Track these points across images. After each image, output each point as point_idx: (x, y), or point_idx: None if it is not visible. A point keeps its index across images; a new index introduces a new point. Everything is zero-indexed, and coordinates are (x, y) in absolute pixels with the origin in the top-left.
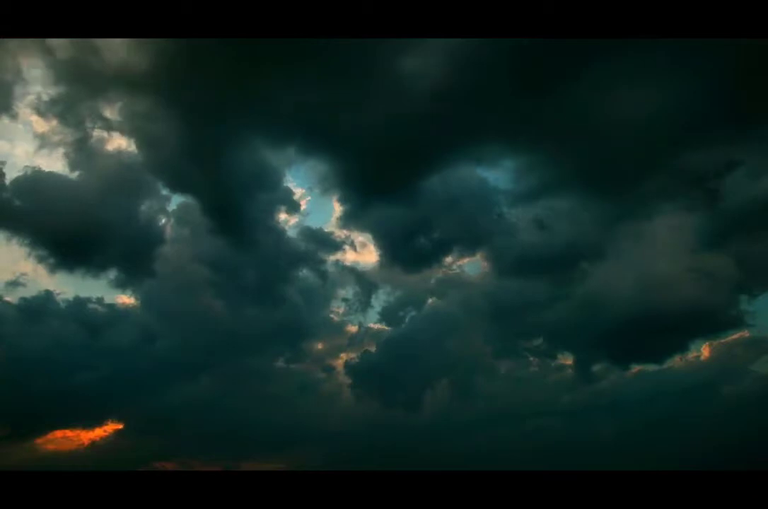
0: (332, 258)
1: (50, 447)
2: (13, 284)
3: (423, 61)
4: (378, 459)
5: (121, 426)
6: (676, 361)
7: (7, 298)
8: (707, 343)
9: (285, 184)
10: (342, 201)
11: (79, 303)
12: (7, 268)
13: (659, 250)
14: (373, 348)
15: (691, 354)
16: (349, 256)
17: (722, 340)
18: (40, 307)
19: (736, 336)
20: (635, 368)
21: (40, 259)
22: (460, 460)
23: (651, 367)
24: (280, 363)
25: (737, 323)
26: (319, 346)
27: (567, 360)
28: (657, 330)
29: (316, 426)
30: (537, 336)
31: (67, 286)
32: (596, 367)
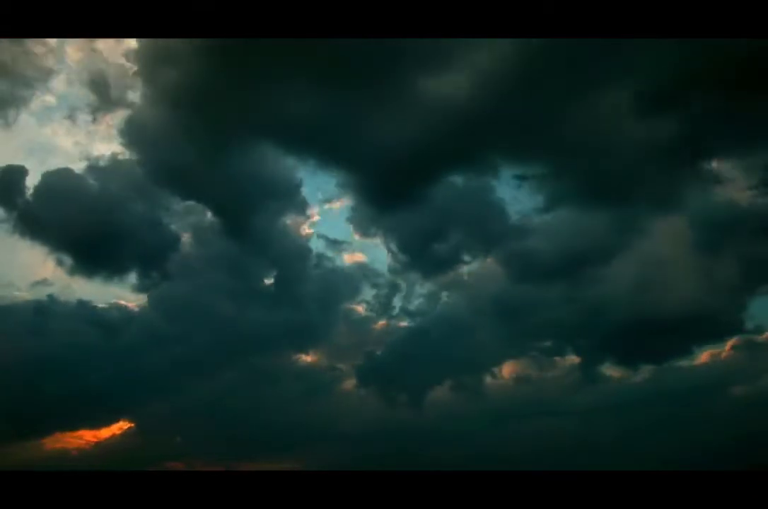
0: (346, 262)
1: (59, 446)
2: (32, 286)
3: (440, 75)
4: (382, 459)
5: (132, 426)
6: (680, 363)
7: (26, 300)
8: (712, 346)
9: (301, 190)
10: (358, 207)
11: (94, 305)
12: (27, 271)
13: (664, 254)
14: (382, 350)
15: (696, 356)
16: (363, 261)
17: (728, 343)
18: (56, 309)
19: (741, 338)
20: (640, 369)
21: (60, 263)
22: (464, 460)
23: (656, 369)
24: (292, 363)
25: (742, 326)
26: (329, 348)
27: (573, 360)
28: (662, 332)
29: (323, 426)
30: (544, 338)
31: (82, 289)
32: (602, 368)
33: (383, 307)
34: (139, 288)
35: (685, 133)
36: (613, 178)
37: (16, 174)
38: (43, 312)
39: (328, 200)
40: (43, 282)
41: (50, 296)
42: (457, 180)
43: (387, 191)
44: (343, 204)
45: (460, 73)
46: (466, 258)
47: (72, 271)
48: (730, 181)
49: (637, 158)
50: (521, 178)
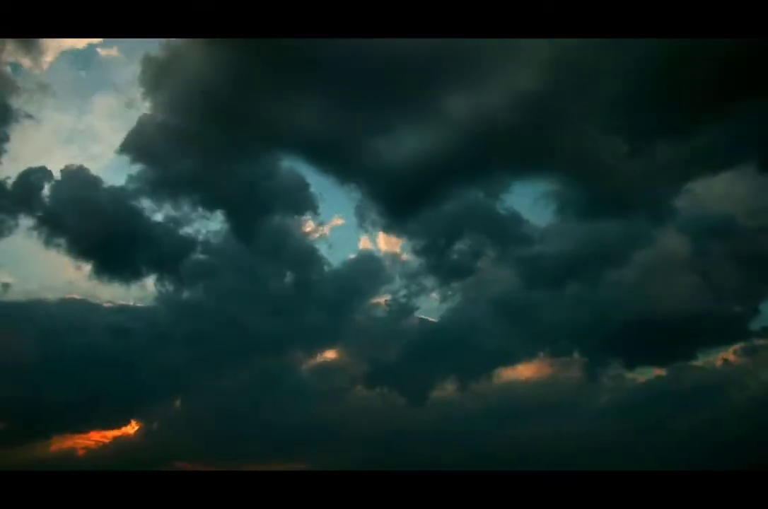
0: (361, 268)
1: (68, 446)
2: (48, 289)
3: (461, 95)
4: (385, 459)
5: (141, 426)
6: (686, 365)
7: (41, 301)
8: (718, 349)
9: (316, 198)
10: (374, 214)
11: (108, 307)
12: (43, 274)
13: (673, 259)
14: (390, 351)
15: (702, 359)
16: (378, 267)
17: (734, 346)
18: (70, 311)
19: (748, 342)
20: (646, 371)
21: (78, 267)
22: (468, 461)
23: (662, 370)
24: (302, 365)
25: (749, 329)
26: (336, 350)
27: (579, 362)
28: (668, 335)
29: (332, 426)
30: (552, 340)
31: (98, 291)
32: (607, 370)
33: (396, 311)
34: (154, 291)
35: (687, 141)
36: (618, 184)
37: (37, 177)
38: (59, 314)
39: (345, 206)
40: (63, 284)
41: (66, 298)
42: (472, 190)
43: (403, 199)
44: (358, 210)
45: (482, 90)
46: (479, 264)
47: (91, 275)
48: (732, 187)
49: (641, 163)
50: (532, 189)
